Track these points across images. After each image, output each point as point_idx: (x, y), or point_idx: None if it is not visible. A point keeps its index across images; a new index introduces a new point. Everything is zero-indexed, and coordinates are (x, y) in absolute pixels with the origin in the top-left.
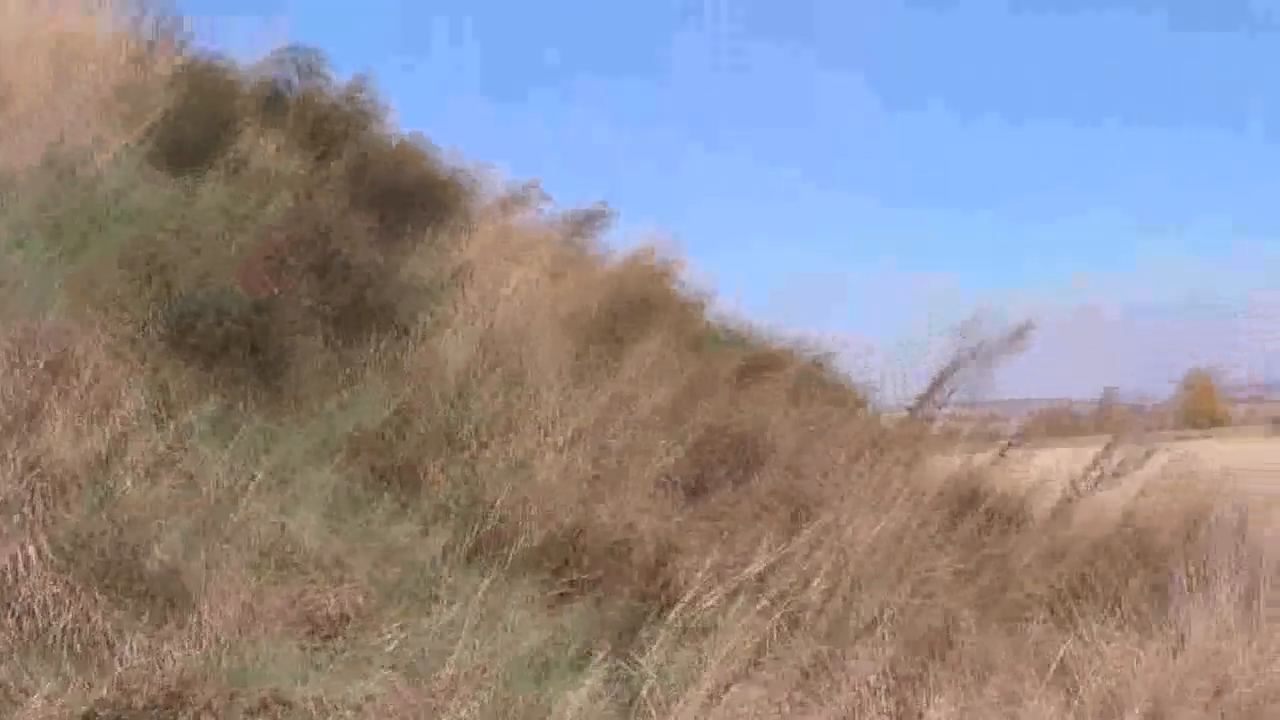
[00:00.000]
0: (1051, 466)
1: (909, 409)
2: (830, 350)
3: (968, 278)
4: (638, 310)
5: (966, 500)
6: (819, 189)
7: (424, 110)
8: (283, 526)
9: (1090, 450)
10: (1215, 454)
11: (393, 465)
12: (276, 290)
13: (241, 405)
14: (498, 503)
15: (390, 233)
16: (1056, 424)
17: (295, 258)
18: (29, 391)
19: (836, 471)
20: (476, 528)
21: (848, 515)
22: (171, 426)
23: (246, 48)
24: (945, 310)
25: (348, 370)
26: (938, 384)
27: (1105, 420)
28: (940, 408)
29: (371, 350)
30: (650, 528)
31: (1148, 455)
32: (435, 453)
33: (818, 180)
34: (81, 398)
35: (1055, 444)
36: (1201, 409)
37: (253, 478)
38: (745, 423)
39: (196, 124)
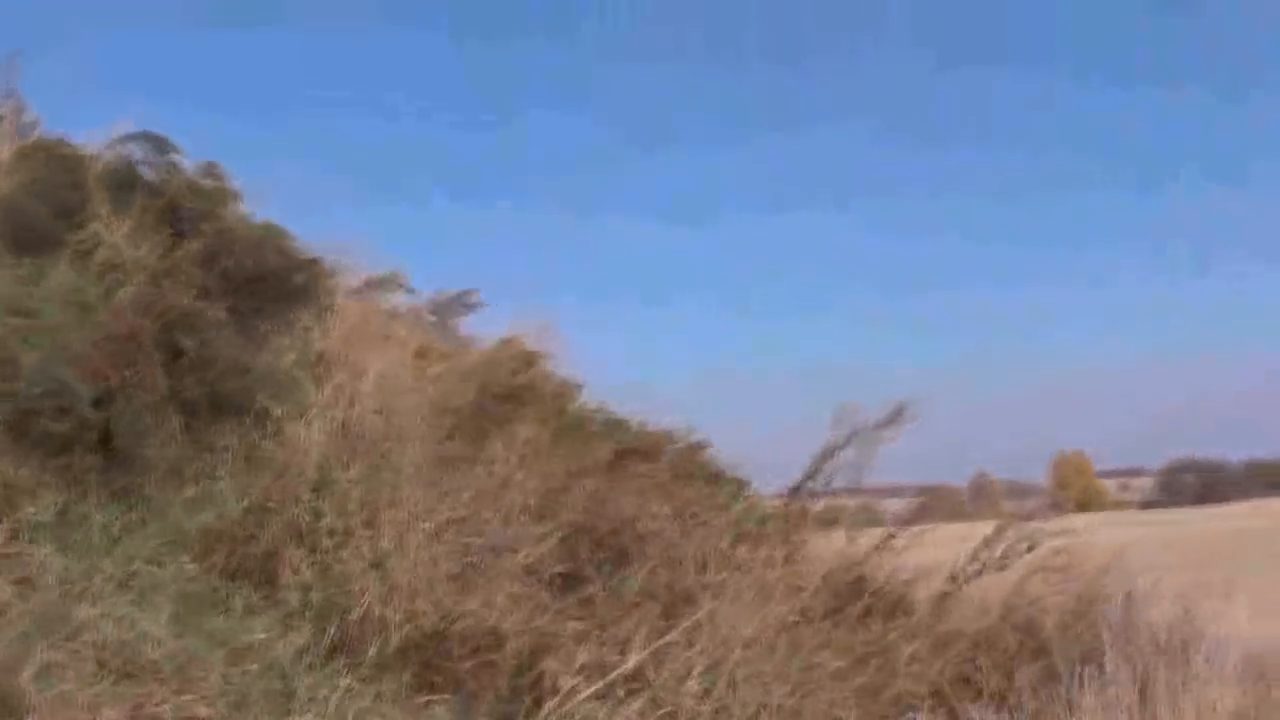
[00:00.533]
0: (933, 551)
1: (788, 493)
2: (705, 436)
3: (844, 357)
4: (506, 397)
5: (849, 590)
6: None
7: (277, 192)
8: (130, 627)
9: (975, 530)
10: (1096, 534)
11: (248, 561)
12: (123, 380)
13: (86, 500)
14: (359, 600)
15: (245, 319)
16: (935, 507)
17: (144, 346)
18: None
19: (714, 561)
20: (336, 626)
21: (726, 607)
22: (6, 524)
23: (94, 130)
24: (823, 392)
25: (200, 462)
26: (817, 467)
27: (982, 502)
28: (820, 491)
29: (225, 441)
30: (520, 623)
31: (1029, 545)
32: (293, 547)
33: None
34: None
35: (934, 526)
36: (1074, 488)
37: (97, 576)
38: (619, 512)
39: (42, 206)
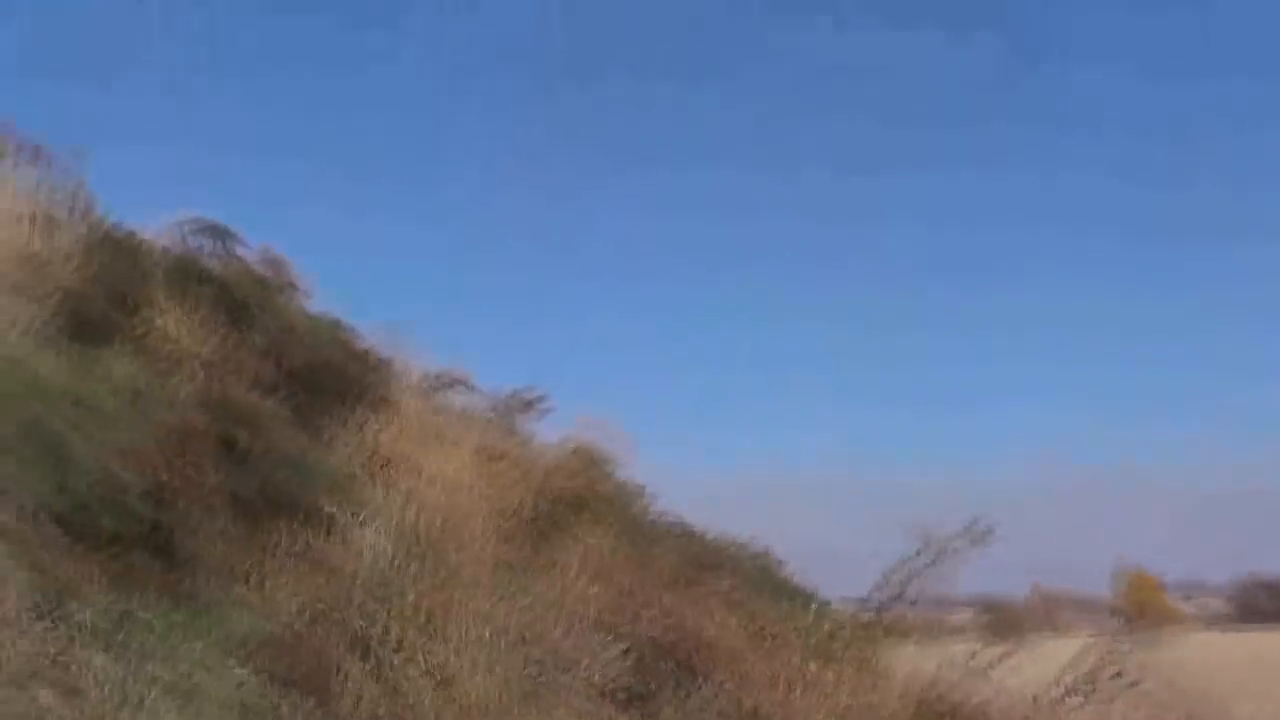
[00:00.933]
0: (1016, 669)
1: (862, 608)
2: (778, 548)
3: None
4: (571, 501)
5: (932, 713)
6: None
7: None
8: None
9: (1055, 649)
10: (1187, 655)
11: (302, 669)
12: (178, 475)
13: (137, 601)
14: (423, 716)
15: (304, 414)
16: (1006, 623)
17: (200, 440)
18: None
19: (787, 678)
20: None
21: None
22: (53, 625)
23: (155, 219)
24: (899, 507)
25: (255, 563)
26: (894, 583)
27: (1047, 617)
28: (891, 606)
29: (281, 541)
30: None
31: (1117, 669)
32: (350, 656)
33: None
34: None
35: (1015, 645)
36: (1143, 604)
37: (146, 683)
38: (688, 625)
39: (102, 294)
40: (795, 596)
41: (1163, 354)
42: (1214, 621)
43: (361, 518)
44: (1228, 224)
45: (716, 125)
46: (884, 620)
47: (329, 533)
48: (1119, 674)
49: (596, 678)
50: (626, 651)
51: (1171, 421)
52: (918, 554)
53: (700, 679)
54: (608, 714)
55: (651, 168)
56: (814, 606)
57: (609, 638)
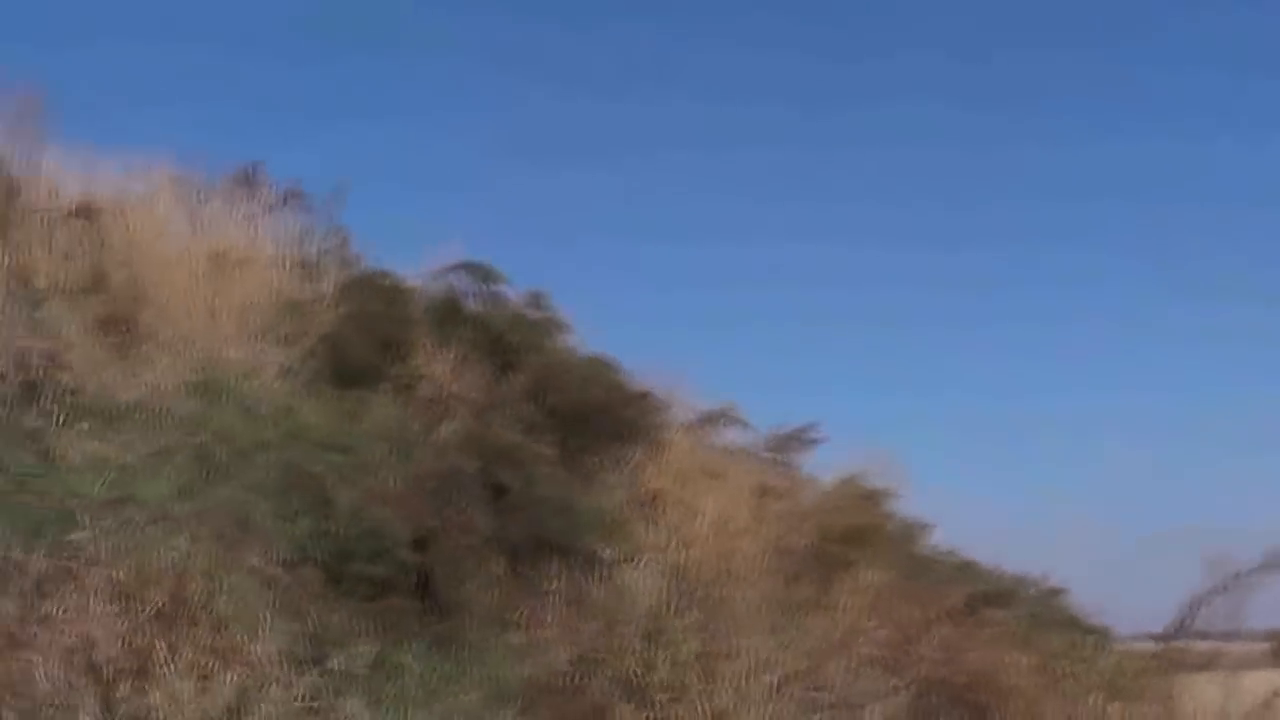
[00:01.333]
0: None
1: (1159, 642)
2: (1061, 585)
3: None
4: (849, 538)
5: None
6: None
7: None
8: None
9: None
10: None
11: (574, 716)
12: (443, 521)
13: (401, 649)
14: None
15: (572, 455)
16: None
17: (466, 485)
18: (137, 636)
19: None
20: None
21: None
22: (315, 674)
23: (412, 264)
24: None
25: (524, 608)
26: (1189, 614)
27: None
28: (1186, 637)
29: (551, 585)
30: None
31: None
32: (623, 702)
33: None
34: (206, 641)
35: None
36: None
37: None
38: (975, 664)
39: (364, 338)
40: (1088, 634)
41: None
42: None
43: (634, 560)
44: None
45: None
46: (1173, 653)
47: (599, 576)
48: None
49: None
50: (908, 689)
51: None
52: (1210, 584)
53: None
54: None
55: None
56: (1108, 644)
57: (890, 677)
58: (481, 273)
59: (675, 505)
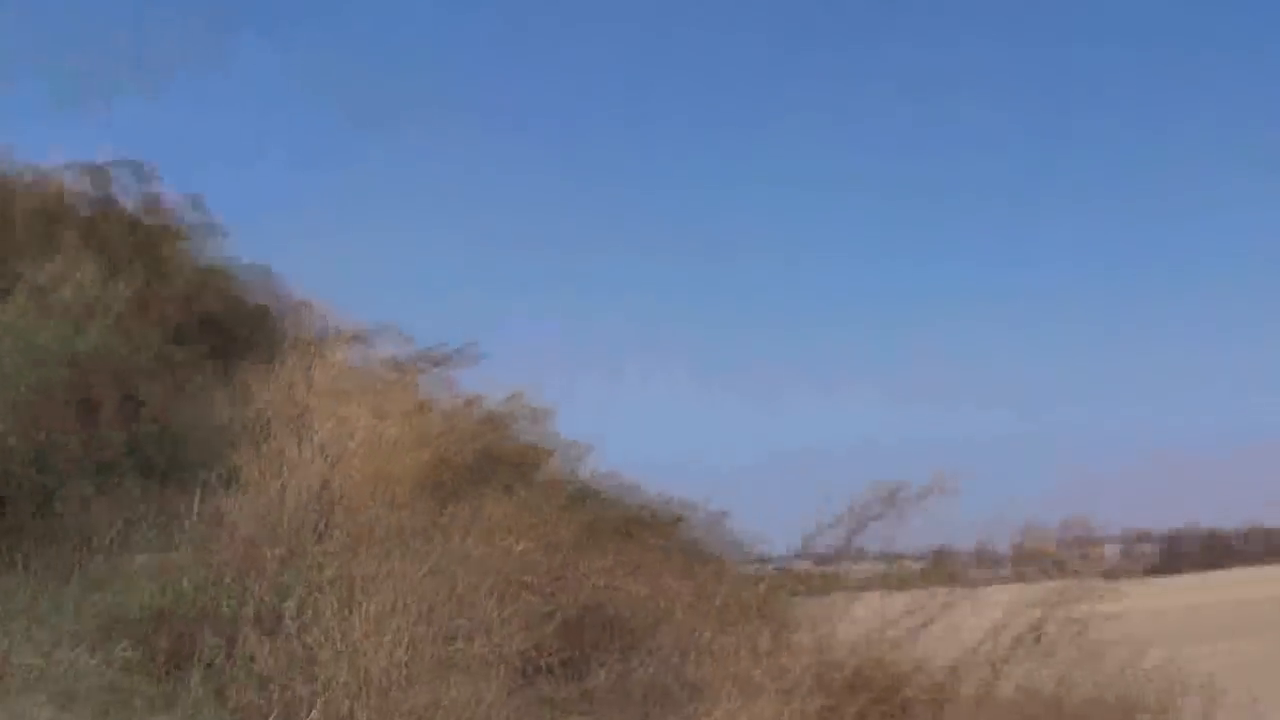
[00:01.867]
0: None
1: (819, 563)
2: (719, 509)
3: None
4: (507, 460)
5: (884, 687)
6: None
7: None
8: None
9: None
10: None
11: (198, 646)
12: (70, 436)
13: (14, 570)
14: (332, 694)
15: (220, 368)
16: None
17: (98, 398)
18: None
19: (733, 647)
20: None
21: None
22: None
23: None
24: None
25: (154, 529)
26: (835, 533)
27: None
28: (842, 558)
29: (188, 505)
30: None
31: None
32: (254, 630)
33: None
34: None
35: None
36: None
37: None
38: (626, 590)
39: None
40: (742, 556)
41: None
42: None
43: (279, 476)
44: None
45: None
46: (828, 575)
47: (241, 494)
48: (1060, 624)
49: (520, 646)
50: (553, 615)
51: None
52: (863, 505)
53: (636, 647)
54: (531, 686)
55: None
56: (758, 565)
57: (540, 603)
58: (136, 169)
59: (327, 421)
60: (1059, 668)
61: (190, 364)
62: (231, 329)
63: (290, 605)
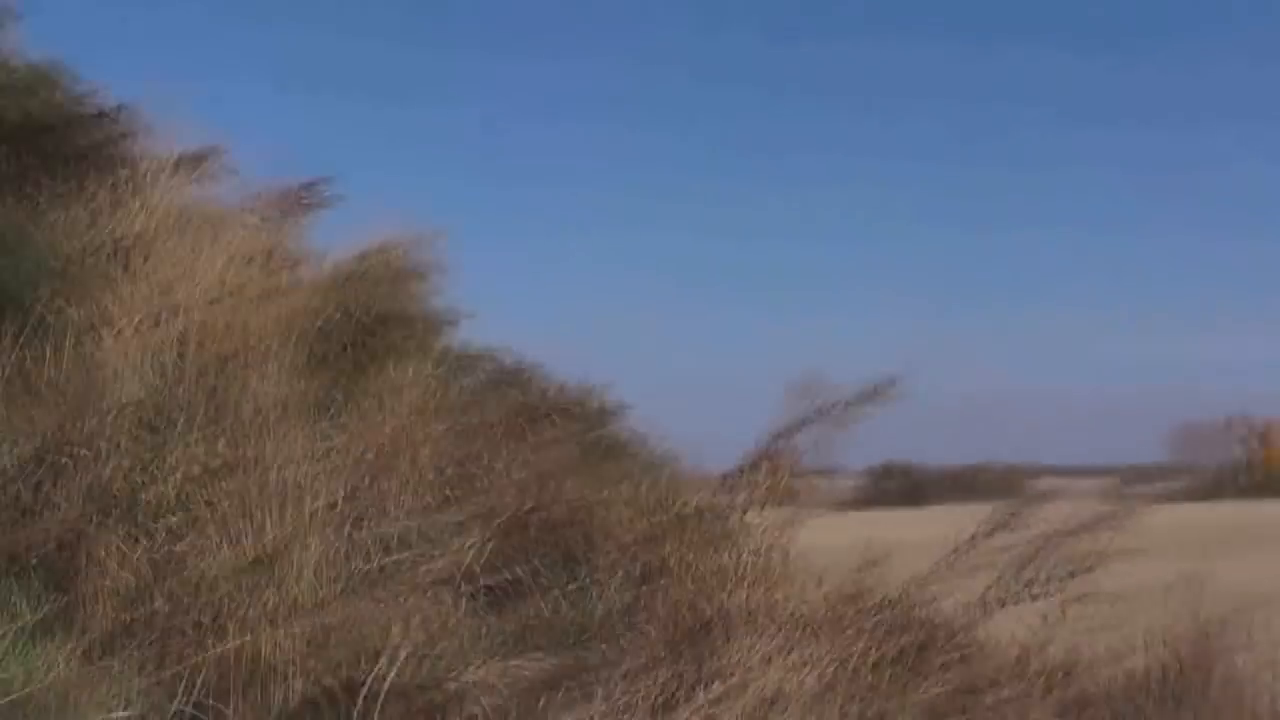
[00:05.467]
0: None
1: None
2: (627, 402)
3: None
4: (379, 324)
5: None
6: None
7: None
8: None
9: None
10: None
11: (22, 546)
12: None
13: None
14: (222, 623)
15: (17, 184)
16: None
17: None
18: None
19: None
20: (182, 666)
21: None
22: None
23: None
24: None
25: None
26: (774, 445)
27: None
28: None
29: None
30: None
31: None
32: (103, 525)
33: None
34: None
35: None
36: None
37: None
38: (558, 497)
39: None
40: (657, 461)
41: None
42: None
43: (109, 326)
44: None
45: None
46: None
47: (60, 345)
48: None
49: (446, 561)
50: (482, 522)
51: None
52: (796, 415)
53: (582, 565)
54: (465, 609)
55: None
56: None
57: (455, 507)
58: None
59: (162, 261)
60: None
61: None
62: (25, 139)
63: (149, 496)
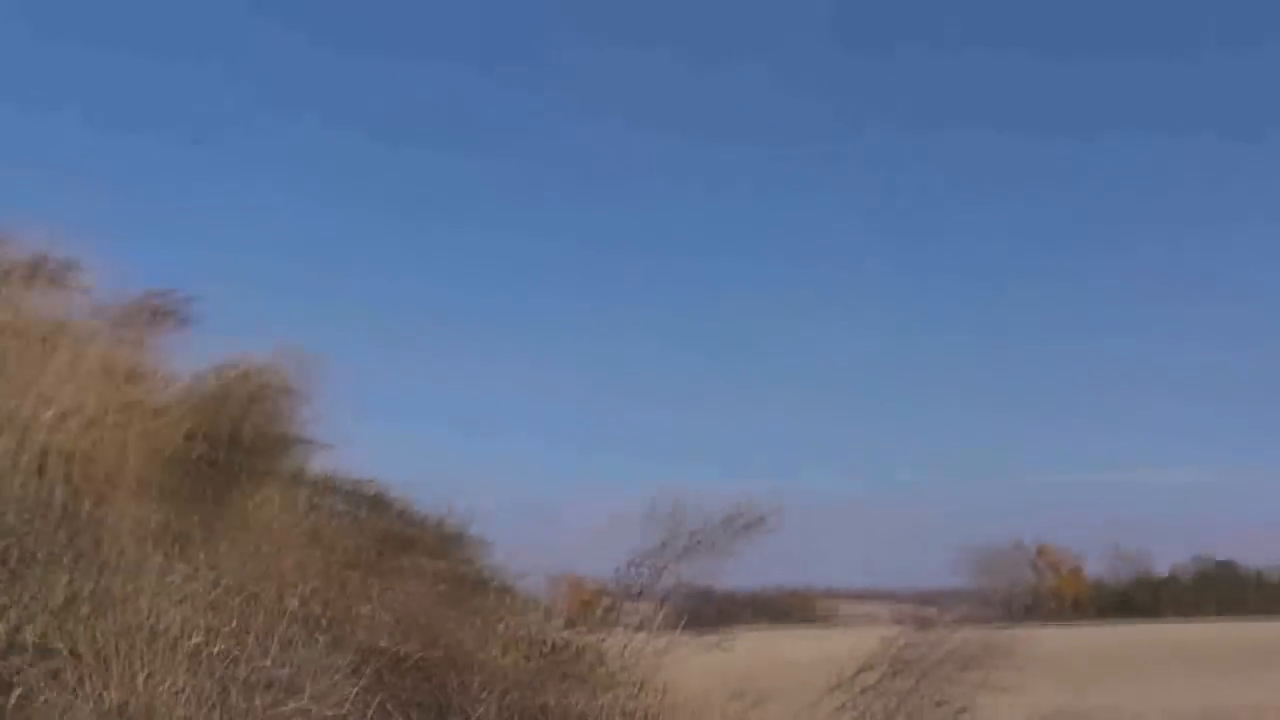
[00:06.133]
0: None
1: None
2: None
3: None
4: (246, 448)
5: None
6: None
7: None
8: None
9: None
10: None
11: None
12: None
13: None
14: None
15: None
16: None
17: None
18: None
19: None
20: None
21: None
22: None
23: None
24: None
25: None
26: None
27: None
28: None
29: None
30: None
31: None
32: None
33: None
34: None
35: None
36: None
37: None
38: (428, 633)
39: None
40: (515, 592)
41: None
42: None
43: None
44: None
45: None
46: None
47: None
48: None
49: (318, 710)
50: (355, 661)
51: None
52: (660, 542)
53: (457, 714)
54: None
55: None
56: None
57: (328, 646)
58: None
59: (8, 382)
60: None
61: None
62: None
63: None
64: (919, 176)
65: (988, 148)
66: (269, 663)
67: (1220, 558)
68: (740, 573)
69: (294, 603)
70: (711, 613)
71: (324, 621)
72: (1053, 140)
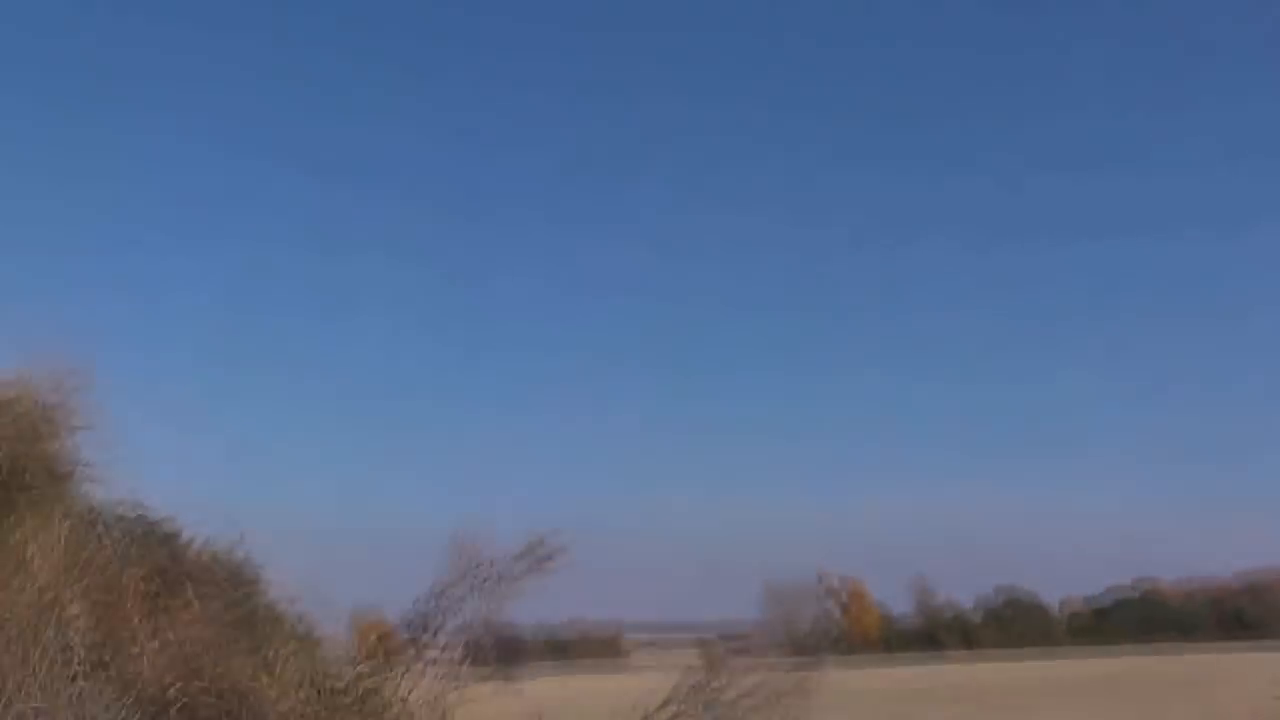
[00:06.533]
0: None
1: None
2: (269, 565)
3: None
4: (18, 477)
5: None
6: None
7: None
8: None
9: None
10: None
11: None
12: None
13: None
14: None
15: None
16: None
17: None
18: None
19: None
20: None
21: None
22: None
23: None
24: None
25: None
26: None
27: None
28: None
29: None
30: None
31: None
32: None
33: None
34: None
35: None
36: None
37: None
38: (212, 673)
39: None
40: (297, 628)
41: None
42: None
43: None
44: None
45: None
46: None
47: None
48: None
49: None
50: (136, 702)
51: None
52: (452, 576)
53: None
54: None
55: None
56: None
57: (106, 684)
58: None
59: None
60: None
61: None
62: None
63: None
64: None
65: None
66: (38, 704)
67: (1024, 588)
68: (536, 609)
69: (65, 639)
70: (506, 651)
71: (94, 661)
72: None
